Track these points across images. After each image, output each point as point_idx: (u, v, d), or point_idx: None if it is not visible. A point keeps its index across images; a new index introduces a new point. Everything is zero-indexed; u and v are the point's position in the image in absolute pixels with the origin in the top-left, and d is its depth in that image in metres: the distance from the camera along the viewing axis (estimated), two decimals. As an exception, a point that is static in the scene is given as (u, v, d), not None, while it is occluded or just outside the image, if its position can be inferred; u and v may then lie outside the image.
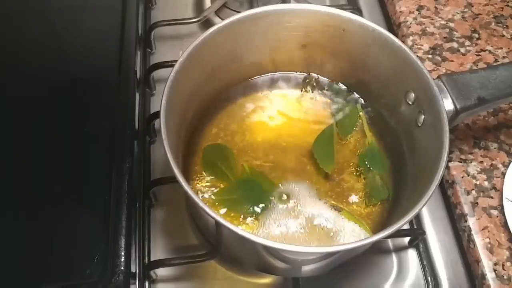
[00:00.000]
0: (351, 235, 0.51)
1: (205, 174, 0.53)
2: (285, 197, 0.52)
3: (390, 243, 0.59)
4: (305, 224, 0.51)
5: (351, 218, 0.51)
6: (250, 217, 0.51)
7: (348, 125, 0.58)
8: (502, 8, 0.73)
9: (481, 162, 0.59)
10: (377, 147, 0.56)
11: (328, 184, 0.54)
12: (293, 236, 0.50)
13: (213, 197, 0.52)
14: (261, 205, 0.51)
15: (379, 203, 0.53)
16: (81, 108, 0.58)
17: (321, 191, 0.53)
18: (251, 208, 0.51)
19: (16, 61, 0.62)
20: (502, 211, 0.55)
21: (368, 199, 0.53)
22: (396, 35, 0.66)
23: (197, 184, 0.53)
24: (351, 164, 0.55)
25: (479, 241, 0.54)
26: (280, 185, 0.53)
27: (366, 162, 0.55)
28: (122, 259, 0.47)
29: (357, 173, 0.55)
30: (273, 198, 0.52)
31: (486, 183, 0.58)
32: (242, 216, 0.51)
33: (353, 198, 0.53)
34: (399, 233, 0.56)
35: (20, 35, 0.63)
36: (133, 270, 0.50)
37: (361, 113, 0.58)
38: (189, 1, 0.77)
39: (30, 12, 0.66)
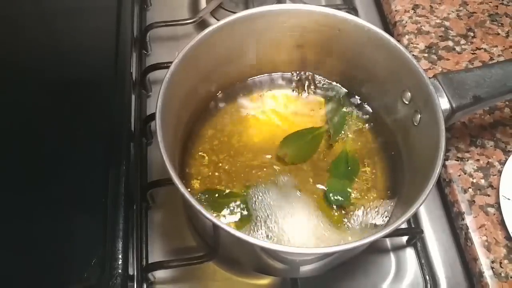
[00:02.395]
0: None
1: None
2: (284, 197, 0.52)
3: (388, 242, 0.59)
4: (314, 221, 0.51)
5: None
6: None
7: (341, 124, 0.58)
8: (497, 6, 0.73)
9: (478, 160, 0.59)
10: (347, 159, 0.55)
11: (326, 183, 0.54)
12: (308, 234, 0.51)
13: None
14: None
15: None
16: (77, 110, 0.57)
17: (319, 189, 0.53)
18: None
19: (12, 63, 0.61)
20: (498, 209, 0.55)
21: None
22: (391, 34, 0.66)
23: (194, 186, 0.53)
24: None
25: (477, 239, 0.54)
26: (277, 185, 0.53)
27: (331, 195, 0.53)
28: (120, 262, 0.47)
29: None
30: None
31: (482, 181, 0.58)
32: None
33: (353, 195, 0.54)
34: (397, 232, 0.56)
35: (15, 37, 0.63)
36: (131, 272, 0.50)
37: (354, 114, 0.58)
38: (184, 2, 0.77)
39: (26, 13, 0.65)
